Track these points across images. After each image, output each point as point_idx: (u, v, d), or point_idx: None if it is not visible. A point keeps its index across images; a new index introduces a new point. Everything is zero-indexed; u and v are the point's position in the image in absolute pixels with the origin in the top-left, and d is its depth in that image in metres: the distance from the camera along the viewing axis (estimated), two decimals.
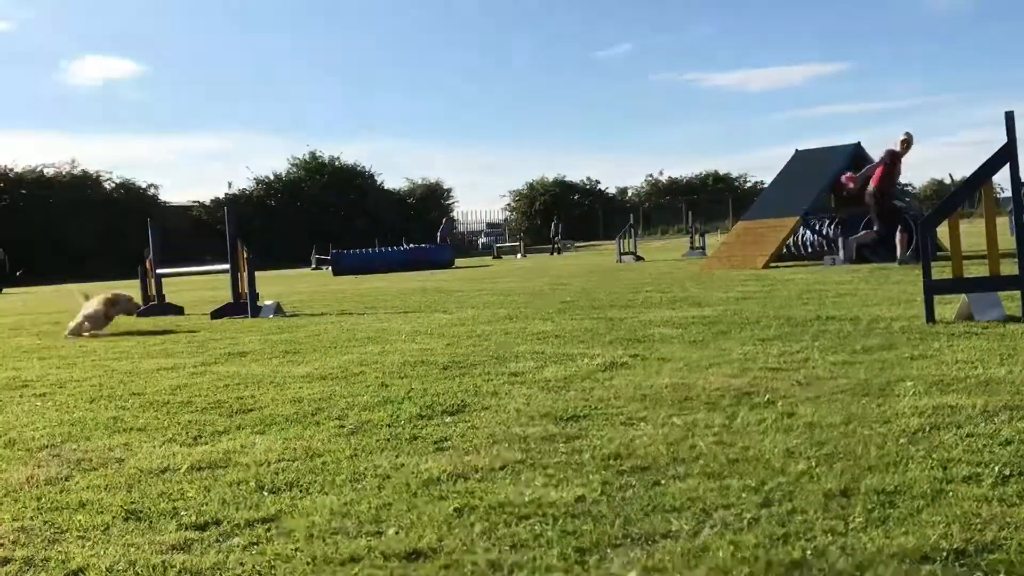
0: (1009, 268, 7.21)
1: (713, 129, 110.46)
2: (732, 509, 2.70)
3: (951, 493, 2.71)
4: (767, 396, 4.30)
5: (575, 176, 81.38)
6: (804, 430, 3.59)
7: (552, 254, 43.37)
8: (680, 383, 4.77)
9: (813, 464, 3.10)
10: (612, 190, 73.85)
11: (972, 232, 23.79)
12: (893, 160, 14.99)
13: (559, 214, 56.33)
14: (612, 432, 3.75)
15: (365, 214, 63.05)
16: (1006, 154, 6.55)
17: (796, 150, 19.21)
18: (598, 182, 73.46)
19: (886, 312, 7.49)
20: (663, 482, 3.01)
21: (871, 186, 15.14)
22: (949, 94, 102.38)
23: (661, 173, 72.93)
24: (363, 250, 33.64)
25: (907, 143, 15.18)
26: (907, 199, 19.48)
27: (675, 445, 3.47)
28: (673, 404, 4.26)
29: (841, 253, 16.25)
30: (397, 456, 3.56)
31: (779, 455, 3.24)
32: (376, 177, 67.49)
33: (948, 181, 50.32)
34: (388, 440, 3.83)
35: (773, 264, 16.82)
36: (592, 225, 66.38)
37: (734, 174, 71.34)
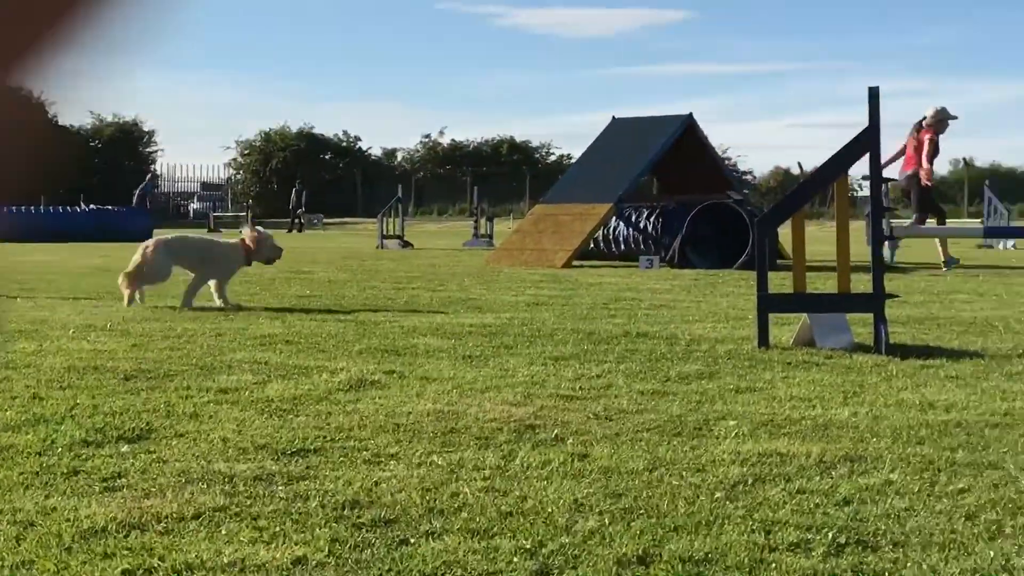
0: (862, 284, 7.72)
1: (512, 82, 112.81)
2: None
3: (773, 564, 2.83)
4: (555, 431, 4.38)
5: (328, 129, 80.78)
6: (598, 477, 3.68)
7: (291, 231, 42.90)
8: (446, 411, 4.79)
9: (606, 521, 3.17)
10: (377, 151, 73.86)
11: (820, 237, 25.47)
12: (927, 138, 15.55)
13: (303, 178, 55.73)
14: (351, 473, 3.72)
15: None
16: (866, 142, 7.01)
17: (613, 118, 19.87)
18: (358, 139, 73.25)
19: (710, 331, 7.84)
20: (412, 540, 3.00)
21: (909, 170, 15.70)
22: (808, 62, 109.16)
23: (441, 134, 73.42)
24: (23, 209, 31.94)
25: (943, 122, 15.65)
26: (745, 191, 20.56)
27: (433, 492, 3.47)
28: (435, 438, 4.27)
29: (654, 260, 16.94)
30: (47, 496, 3.39)
31: (565, 508, 3.30)
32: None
33: (796, 171, 53.49)
34: (37, 474, 3.65)
35: (576, 262, 17.31)
36: (348, 196, 66.09)
37: (534, 143, 73.15)
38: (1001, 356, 6.53)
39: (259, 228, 10.15)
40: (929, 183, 16.18)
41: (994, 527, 3.12)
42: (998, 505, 3.33)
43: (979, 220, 29.74)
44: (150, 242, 9.70)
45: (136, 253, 9.51)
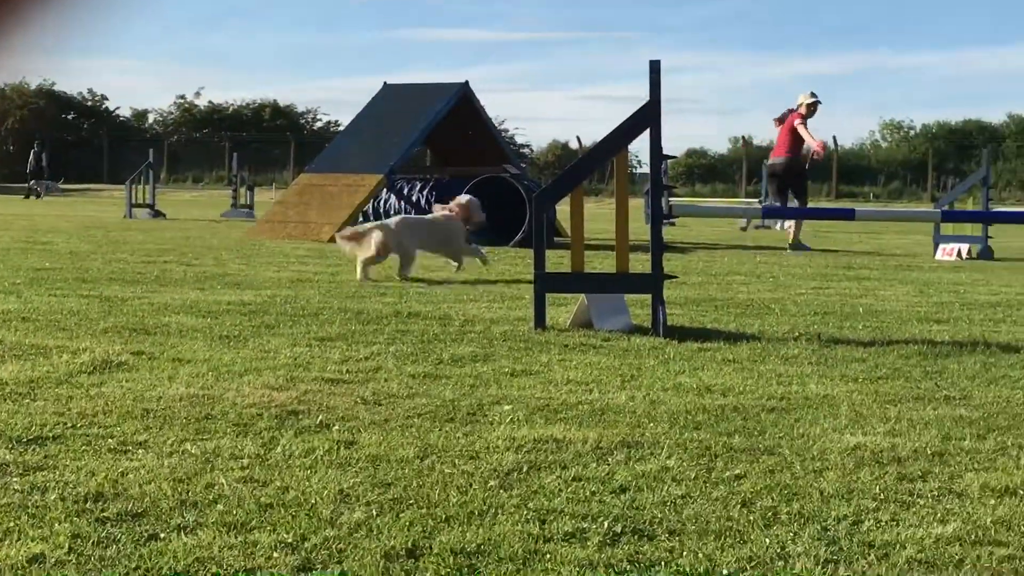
0: (641, 264, 7.92)
1: (275, 42, 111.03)
2: (258, 575, 2.68)
3: (548, 555, 2.88)
4: (320, 417, 4.35)
5: (71, 87, 77.72)
6: (366, 465, 3.67)
7: (29, 197, 41.20)
8: (201, 395, 4.70)
9: (374, 512, 3.17)
10: (126, 112, 71.61)
11: (599, 215, 26.06)
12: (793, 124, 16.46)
13: (43, 140, 53.52)
14: (95, 462, 3.60)
15: None
16: (647, 116, 7.19)
17: (385, 84, 19.79)
18: (104, 98, 70.83)
19: (485, 312, 7.92)
20: (163, 535, 2.93)
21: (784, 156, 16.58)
22: (589, 31, 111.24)
23: (198, 95, 71.67)
24: None
25: (812, 107, 16.52)
26: (522, 165, 20.81)
27: (185, 483, 3.40)
28: (188, 424, 4.18)
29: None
30: None
31: (329, 499, 3.28)
32: None
33: (576, 146, 54.41)
34: None
35: None
36: (94, 160, 63.84)
37: (300, 108, 72.18)
38: (777, 339, 6.82)
39: (466, 195, 11.63)
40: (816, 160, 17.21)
41: (770, 514, 3.25)
42: (774, 491, 3.48)
43: (757, 200, 30.95)
44: (390, 222, 10.70)
45: (372, 234, 10.38)
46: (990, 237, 16.02)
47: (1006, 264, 14.57)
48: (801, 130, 16.65)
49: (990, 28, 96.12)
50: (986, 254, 15.64)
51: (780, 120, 17.39)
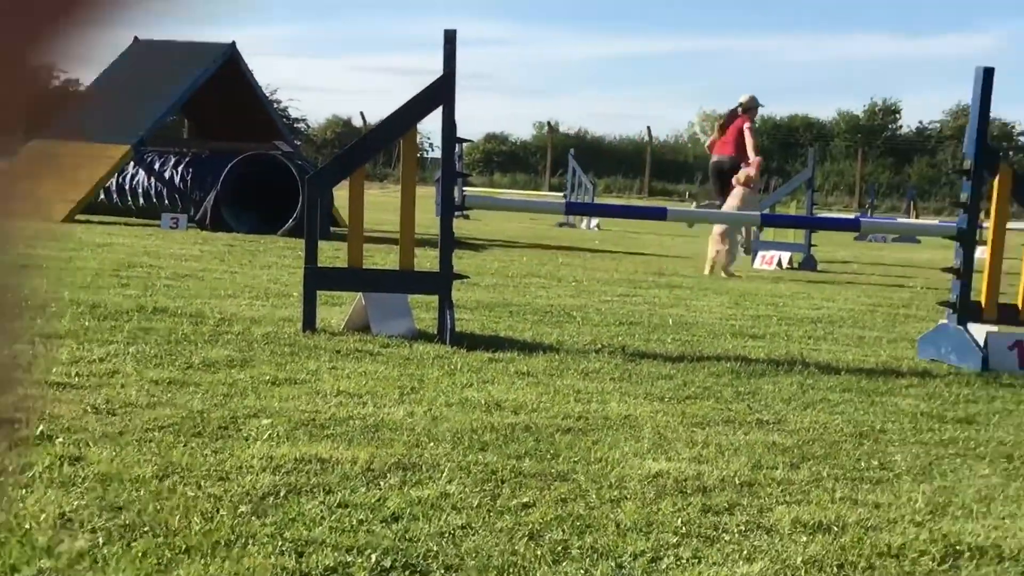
0: (428, 262, 7.93)
1: None
2: None
3: None
4: (40, 428, 4.22)
5: None
6: (94, 485, 3.57)
7: None
8: None
9: (101, 541, 3.08)
10: None
11: (383, 203, 25.95)
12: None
13: None
14: None
15: None
16: (440, 93, 7.20)
17: (136, 38, 19.34)
18: None
19: (246, 310, 7.81)
20: None
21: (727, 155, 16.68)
22: None
23: None
24: None
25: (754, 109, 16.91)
26: (296, 142, 20.63)
27: None
28: None
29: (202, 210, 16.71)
30: None
31: (48, 524, 3.17)
32: None
33: (359, 123, 54.17)
34: None
35: (81, 216, 16.74)
36: None
37: None
38: (577, 351, 6.91)
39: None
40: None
41: (560, 548, 3.29)
42: (565, 523, 3.52)
43: (562, 194, 31.39)
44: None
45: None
46: (814, 245, 16.60)
47: (829, 276, 15.12)
48: (749, 137, 17.06)
49: (817, 15, 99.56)
50: (809, 264, 16.20)
51: (725, 124, 17.87)
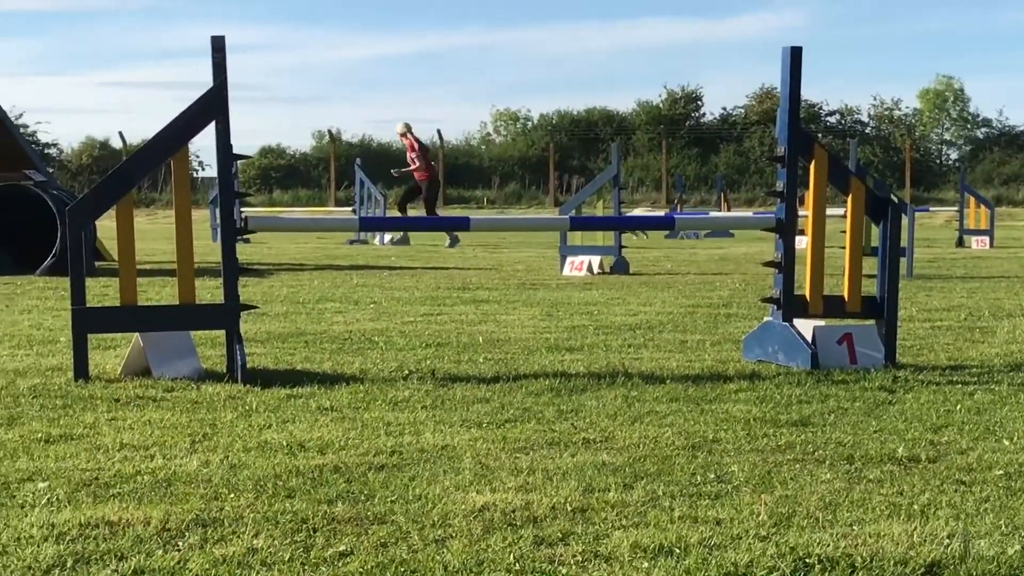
0: (210, 293, 7.80)
1: None
2: None
3: None
4: None
5: None
6: None
7: None
8: None
9: None
10: None
11: (154, 231, 25.54)
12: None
13: None
14: None
15: None
16: (212, 106, 7.10)
17: None
18: None
19: (8, 360, 7.61)
20: None
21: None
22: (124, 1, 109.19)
23: None
24: None
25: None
26: (49, 170, 20.16)
27: None
28: None
29: None
30: None
31: None
32: None
33: (119, 144, 53.24)
34: None
35: None
36: None
37: None
38: (384, 379, 6.88)
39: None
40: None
41: None
42: (388, 570, 3.49)
43: (350, 209, 31.28)
44: None
45: None
46: (624, 247, 16.84)
47: (643, 279, 15.36)
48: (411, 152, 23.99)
49: (604, 1, 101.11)
50: (621, 267, 16.43)
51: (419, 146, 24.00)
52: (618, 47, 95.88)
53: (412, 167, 25.39)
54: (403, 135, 25.63)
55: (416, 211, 28.17)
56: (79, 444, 5.21)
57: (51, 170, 23.22)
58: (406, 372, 7.14)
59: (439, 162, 52.88)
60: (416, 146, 25.44)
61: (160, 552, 3.67)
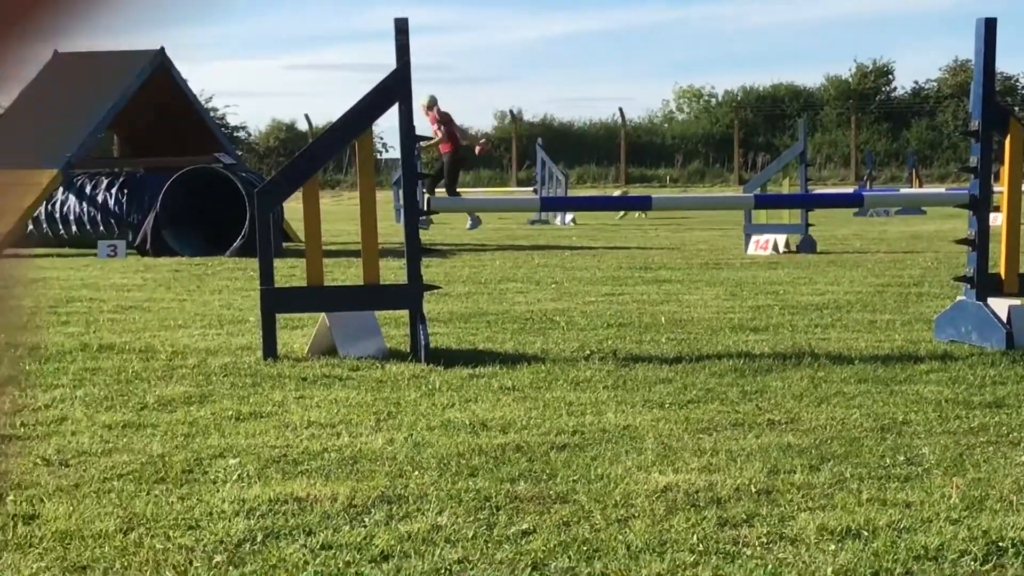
0: (394, 273, 7.93)
1: None
2: None
3: None
4: None
5: None
6: (53, 545, 3.57)
7: None
8: None
9: None
10: None
11: (337, 213, 25.91)
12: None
13: None
14: None
15: None
16: (395, 89, 7.20)
17: (56, 52, 19.29)
18: None
19: (199, 340, 7.79)
20: None
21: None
22: None
23: None
24: None
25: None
26: (238, 152, 20.61)
27: None
28: None
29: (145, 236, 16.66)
30: None
31: None
32: None
33: (305, 127, 54.03)
34: None
35: (8, 251, 16.67)
36: None
37: None
38: (565, 359, 6.92)
39: None
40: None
41: None
42: (570, 548, 3.52)
43: (532, 189, 31.40)
44: None
45: None
46: (811, 225, 16.65)
47: (830, 257, 15.18)
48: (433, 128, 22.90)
49: None
50: (807, 246, 16.25)
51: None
52: (806, 21, 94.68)
53: (435, 140, 23.94)
54: (428, 110, 23.88)
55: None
56: (268, 422, 5.33)
57: (239, 152, 23.68)
58: (587, 352, 7.17)
59: (621, 140, 52.79)
60: (438, 119, 24.06)
61: (347, 528, 3.75)
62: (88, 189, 17.71)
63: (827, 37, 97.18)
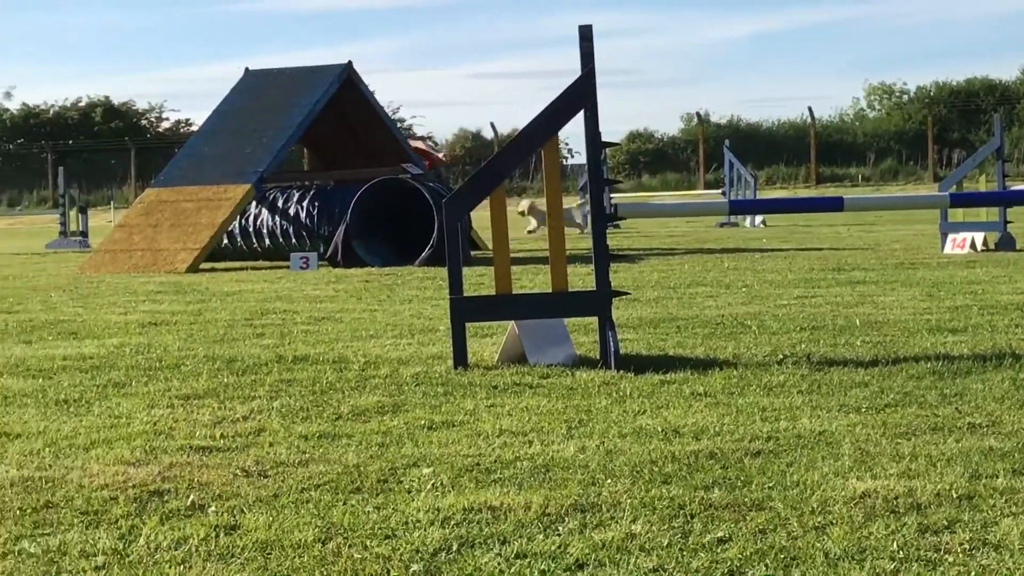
0: (582, 280, 7.95)
1: (105, 22, 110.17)
2: None
3: None
4: (191, 497, 4.30)
5: None
6: (254, 555, 3.64)
7: None
8: (36, 478, 4.64)
9: None
10: None
11: (525, 221, 26.06)
12: None
13: None
14: None
15: None
16: (580, 94, 7.22)
17: (247, 70, 19.75)
18: None
19: (391, 350, 7.89)
20: None
21: None
22: None
23: (8, 96, 71.20)
24: None
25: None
26: (423, 162, 20.84)
27: None
28: (23, 517, 4.12)
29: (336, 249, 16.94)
30: None
31: None
32: None
33: (490, 135, 54.59)
34: None
35: (205, 265, 17.09)
36: None
37: (140, 105, 71.80)
38: (757, 364, 6.87)
39: None
40: None
41: None
42: (767, 556, 3.50)
43: (720, 191, 31.22)
44: None
45: None
46: (1010, 222, 16.29)
47: None
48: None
49: None
50: (1007, 243, 15.90)
51: None
52: (1002, 13, 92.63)
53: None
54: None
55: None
56: (460, 430, 5.38)
57: (424, 161, 23.93)
58: (780, 356, 7.10)
59: (810, 139, 52.13)
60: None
61: (541, 536, 3.77)
62: (280, 202, 18.06)
63: (1021, 28, 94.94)
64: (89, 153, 63.44)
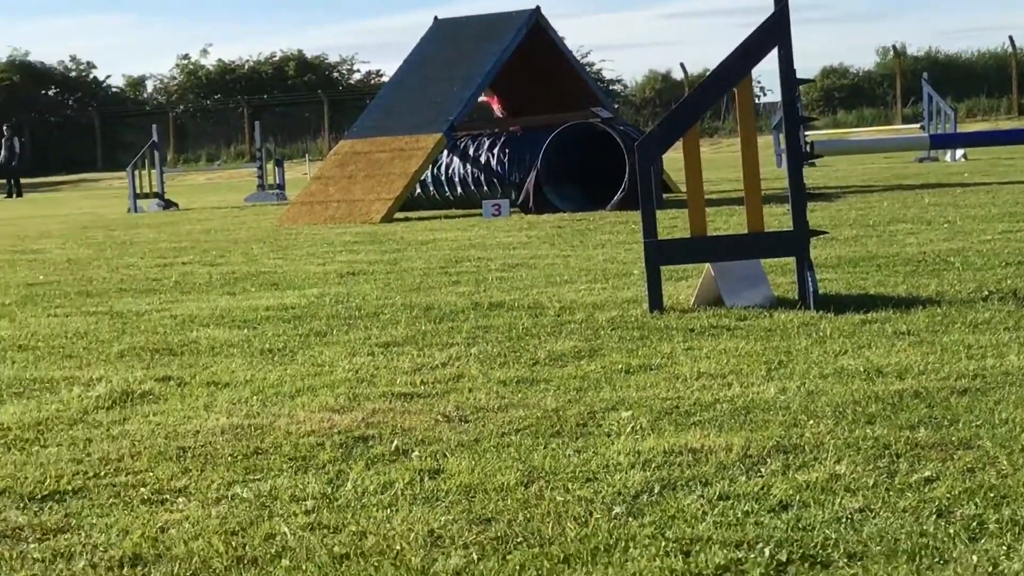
0: (778, 220, 7.88)
1: None
2: None
3: None
4: (395, 442, 4.38)
5: (49, 55, 78.85)
6: (458, 498, 3.69)
7: (11, 196, 41.87)
8: (246, 425, 4.76)
9: (475, 556, 3.18)
10: (119, 81, 72.48)
11: (716, 161, 25.83)
12: None
13: (15, 124, 54.40)
14: (127, 518, 3.66)
15: None
16: (773, 32, 7.14)
17: (436, 19, 19.87)
18: (92, 66, 71.80)
19: (586, 295, 7.92)
20: None
21: None
22: None
23: (205, 53, 72.47)
24: None
25: None
26: (615, 106, 20.79)
27: (240, 535, 3.44)
28: (235, 463, 4.24)
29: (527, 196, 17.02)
30: None
31: (418, 544, 3.30)
32: None
33: (680, 76, 54.17)
34: None
35: (400, 214, 17.28)
36: (85, 144, 64.73)
37: (332, 58, 72.67)
38: (962, 301, 6.75)
39: None
40: None
41: (974, 524, 3.23)
42: (976, 495, 3.45)
43: (919, 126, 30.60)
44: None
45: None
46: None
47: None
48: None
49: None
50: None
51: None
52: None
53: None
54: None
55: None
56: (658, 374, 5.39)
57: (616, 106, 23.86)
58: (985, 293, 6.97)
59: (1012, 69, 50.64)
60: None
61: (743, 478, 3.77)
62: (471, 151, 18.17)
63: None
64: (284, 107, 64.48)
